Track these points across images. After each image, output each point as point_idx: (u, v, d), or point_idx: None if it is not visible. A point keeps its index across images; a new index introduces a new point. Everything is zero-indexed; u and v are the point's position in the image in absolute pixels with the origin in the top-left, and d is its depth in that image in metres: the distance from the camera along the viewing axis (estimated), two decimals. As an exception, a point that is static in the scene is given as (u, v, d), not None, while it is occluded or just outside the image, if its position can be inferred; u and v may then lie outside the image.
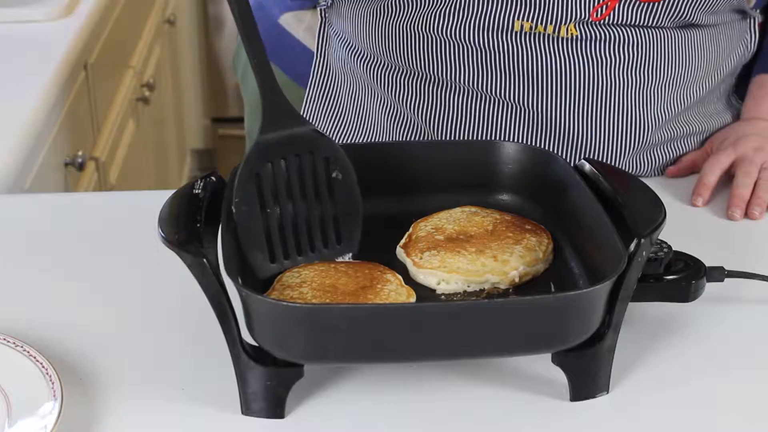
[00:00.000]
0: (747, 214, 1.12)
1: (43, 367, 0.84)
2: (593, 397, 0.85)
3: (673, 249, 0.90)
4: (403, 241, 0.95)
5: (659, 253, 0.89)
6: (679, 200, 1.16)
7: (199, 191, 0.88)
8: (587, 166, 0.95)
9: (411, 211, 0.99)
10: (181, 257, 0.80)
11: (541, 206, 0.99)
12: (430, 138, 1.18)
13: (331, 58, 1.23)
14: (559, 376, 0.84)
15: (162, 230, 0.82)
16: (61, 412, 0.79)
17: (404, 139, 1.20)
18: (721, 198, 1.16)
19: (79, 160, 1.59)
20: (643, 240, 0.82)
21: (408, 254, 0.93)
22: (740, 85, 1.28)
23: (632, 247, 0.82)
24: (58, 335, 0.92)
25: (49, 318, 0.95)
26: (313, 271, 0.90)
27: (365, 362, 0.87)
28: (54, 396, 0.81)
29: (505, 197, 1.01)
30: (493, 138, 1.17)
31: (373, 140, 1.22)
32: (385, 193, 1.00)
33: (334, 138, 1.23)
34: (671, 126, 1.21)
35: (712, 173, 1.16)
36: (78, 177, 1.64)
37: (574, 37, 1.11)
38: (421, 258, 0.91)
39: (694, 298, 0.91)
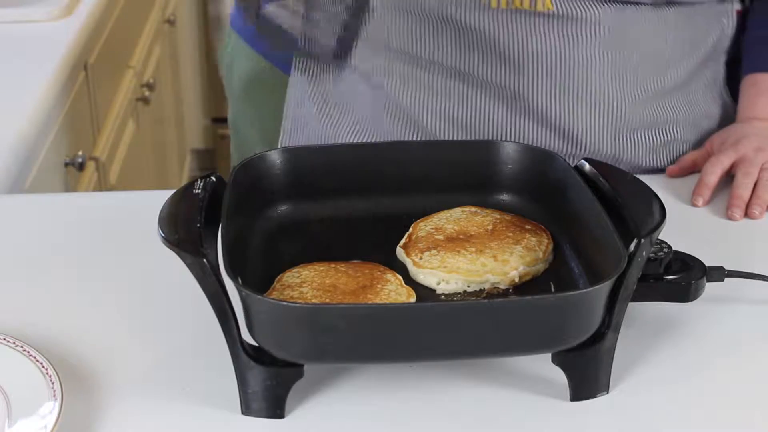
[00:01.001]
0: (747, 214, 1.12)
1: (43, 367, 0.84)
2: (593, 397, 0.85)
3: (673, 249, 0.90)
4: (403, 241, 0.95)
5: (659, 253, 0.89)
6: (679, 200, 1.16)
7: (199, 191, 0.88)
8: (587, 166, 0.95)
9: (411, 211, 0.99)
10: (181, 257, 0.80)
11: (541, 206, 0.99)
12: (413, 120, 1.18)
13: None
14: (559, 376, 0.84)
15: (162, 230, 0.82)
16: (61, 412, 0.79)
17: (388, 122, 1.20)
18: (721, 198, 1.16)
19: (79, 160, 1.59)
20: (643, 240, 0.82)
21: (408, 254, 0.93)
22: (731, 78, 1.28)
23: (632, 247, 0.82)
24: (58, 335, 0.92)
25: (49, 318, 0.95)
26: (313, 271, 0.90)
27: (365, 362, 0.87)
28: (54, 396, 0.81)
29: (505, 197, 1.01)
30: (471, 118, 1.17)
31: (358, 125, 1.22)
32: (385, 193, 1.00)
33: (321, 123, 1.23)
34: (651, 109, 1.20)
35: (713, 173, 1.16)
36: (78, 177, 1.64)
37: (551, 13, 1.11)
38: (421, 258, 0.91)
39: (694, 298, 0.91)
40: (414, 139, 1.19)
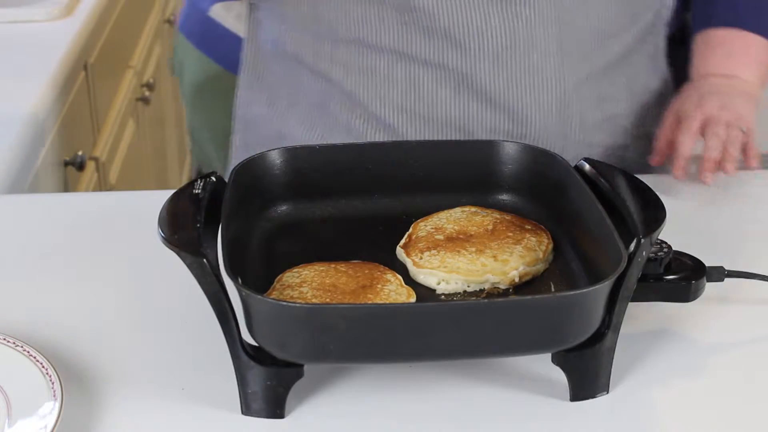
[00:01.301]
0: (722, 170, 1.13)
1: (43, 367, 0.84)
2: (593, 397, 0.85)
3: (673, 249, 0.90)
4: (403, 241, 0.95)
5: (659, 253, 0.89)
6: (679, 200, 1.16)
7: (199, 191, 0.88)
8: (587, 166, 0.95)
9: (411, 211, 0.99)
10: (181, 257, 0.80)
11: (541, 206, 0.99)
12: (361, 107, 1.18)
13: (261, 43, 1.24)
14: (559, 376, 0.84)
15: (162, 230, 0.82)
16: (61, 412, 0.79)
17: (337, 111, 1.20)
18: (721, 199, 1.16)
19: (79, 160, 1.59)
20: (643, 240, 0.82)
21: (408, 254, 0.93)
22: (671, 56, 1.28)
23: (632, 247, 0.82)
24: (58, 335, 0.92)
25: (49, 318, 0.95)
26: (313, 271, 0.90)
27: (365, 362, 0.87)
28: (54, 396, 0.81)
29: (505, 197, 1.01)
30: (417, 102, 1.16)
31: (308, 117, 1.22)
32: (385, 193, 1.00)
33: (272, 119, 1.23)
34: (596, 84, 1.20)
35: (685, 143, 1.16)
36: (78, 177, 1.64)
37: None
38: (421, 258, 0.91)
39: (694, 298, 0.91)
40: (364, 126, 1.19)
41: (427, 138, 1.17)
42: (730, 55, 1.25)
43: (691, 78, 1.25)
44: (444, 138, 1.17)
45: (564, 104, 1.18)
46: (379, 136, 1.19)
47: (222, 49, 1.34)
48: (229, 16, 1.31)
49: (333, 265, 0.90)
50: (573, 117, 1.19)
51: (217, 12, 1.33)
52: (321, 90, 1.21)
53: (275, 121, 1.25)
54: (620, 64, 1.21)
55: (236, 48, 1.27)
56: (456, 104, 1.16)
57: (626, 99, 1.24)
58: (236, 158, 1.29)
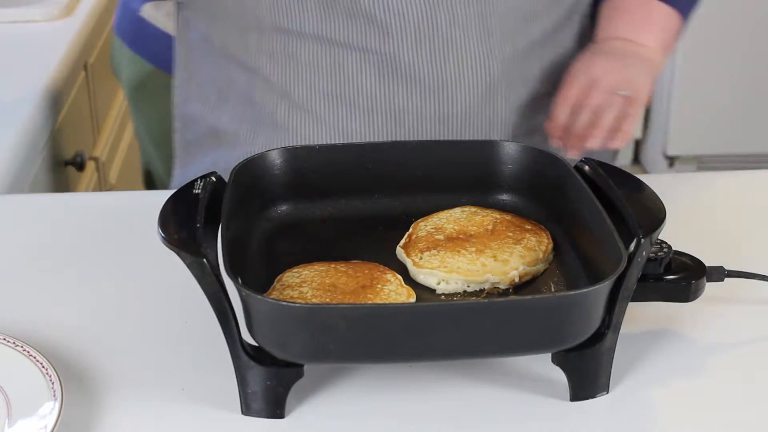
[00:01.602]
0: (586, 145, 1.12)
1: (43, 367, 0.84)
2: (593, 397, 0.85)
3: (673, 249, 0.90)
4: (403, 241, 0.95)
5: (659, 253, 0.89)
6: (679, 200, 1.16)
7: (199, 191, 0.88)
8: (587, 166, 0.95)
9: (411, 211, 0.99)
10: (181, 257, 0.80)
11: (541, 206, 0.99)
12: (287, 96, 1.18)
13: (191, 40, 1.24)
14: (559, 376, 0.84)
15: (162, 230, 0.82)
16: (61, 412, 0.79)
17: (265, 102, 1.20)
18: (720, 199, 1.16)
19: (79, 160, 1.59)
20: (643, 240, 0.82)
21: (408, 254, 0.92)
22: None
23: (632, 247, 0.82)
24: (58, 335, 0.92)
25: (49, 318, 0.95)
26: (313, 271, 0.90)
27: (365, 362, 0.87)
28: (54, 396, 0.81)
29: (505, 197, 1.01)
30: (341, 88, 1.16)
31: (240, 111, 1.22)
32: (385, 193, 1.00)
33: (206, 116, 1.23)
34: (522, 65, 1.19)
35: (559, 111, 1.15)
36: (78, 177, 1.64)
37: None
38: (421, 258, 0.91)
39: (694, 298, 0.91)
40: (290, 116, 1.19)
41: (349, 122, 1.17)
42: (632, 20, 1.22)
43: (593, 41, 1.23)
44: (372, 124, 1.17)
45: (490, 84, 1.17)
46: (305, 126, 1.18)
47: (154, 49, 1.33)
48: (159, 15, 1.31)
49: (333, 265, 0.90)
50: (500, 97, 1.19)
51: (147, 12, 1.33)
52: (248, 83, 1.20)
53: (209, 118, 1.24)
54: (547, 43, 1.21)
55: (168, 47, 1.27)
56: (381, 87, 1.16)
57: (554, 79, 1.22)
58: (179, 157, 1.29)
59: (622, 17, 1.22)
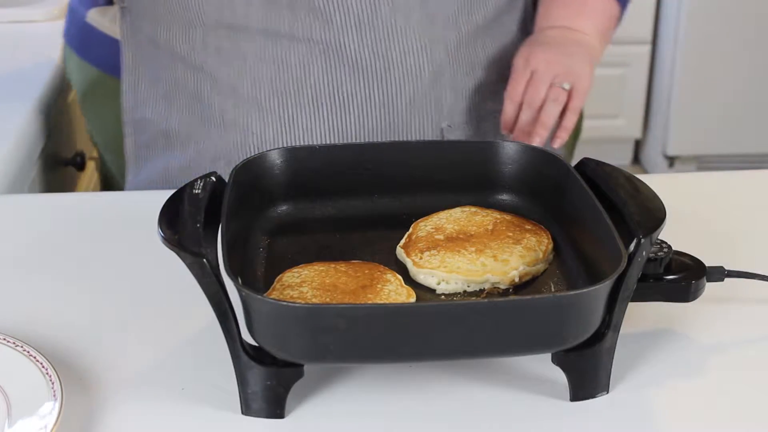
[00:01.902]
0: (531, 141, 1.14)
1: (43, 367, 0.84)
2: (593, 397, 0.85)
3: (673, 249, 0.90)
4: (403, 241, 0.95)
5: (659, 253, 0.89)
6: (679, 200, 1.15)
7: (199, 191, 0.88)
8: (587, 166, 0.95)
9: (411, 211, 0.99)
10: (181, 257, 0.80)
11: (541, 206, 0.99)
12: (236, 93, 1.19)
13: (137, 44, 1.23)
14: (559, 376, 0.84)
15: (162, 230, 0.82)
16: (61, 412, 0.79)
17: (215, 101, 1.20)
18: (721, 199, 1.16)
19: (79, 160, 1.59)
20: (643, 240, 0.82)
21: (408, 254, 0.93)
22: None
23: (632, 247, 0.82)
24: (58, 335, 0.92)
25: (49, 318, 0.95)
26: (313, 271, 0.90)
27: (365, 362, 0.87)
28: (54, 396, 0.81)
29: (505, 197, 1.01)
30: (288, 80, 1.17)
31: (189, 113, 1.22)
32: (385, 193, 1.00)
33: (157, 120, 1.24)
34: (468, 51, 1.20)
35: (510, 102, 1.17)
36: (78, 177, 1.64)
37: None
38: (421, 258, 0.91)
39: (694, 298, 0.91)
40: (237, 113, 1.19)
41: (296, 114, 1.18)
42: (569, 7, 1.25)
43: (533, 32, 1.26)
44: (319, 114, 1.18)
45: (435, 71, 1.18)
46: (253, 121, 1.19)
47: (101, 54, 1.33)
48: (105, 21, 1.30)
49: (333, 265, 0.90)
50: (446, 84, 1.20)
51: (93, 17, 1.32)
52: (195, 81, 1.21)
53: (159, 121, 1.25)
54: (490, 29, 1.22)
55: (115, 52, 1.27)
56: (326, 77, 1.17)
57: (499, 66, 1.24)
58: (131, 163, 1.29)
59: (559, 5, 1.25)
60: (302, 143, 1.19)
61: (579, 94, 1.18)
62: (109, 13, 1.31)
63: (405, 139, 1.20)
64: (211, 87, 1.20)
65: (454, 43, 1.19)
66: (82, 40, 1.36)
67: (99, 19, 1.31)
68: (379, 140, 1.19)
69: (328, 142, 1.19)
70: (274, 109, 1.18)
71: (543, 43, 1.20)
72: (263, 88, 1.18)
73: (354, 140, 1.19)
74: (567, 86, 1.17)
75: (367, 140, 1.19)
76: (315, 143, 1.19)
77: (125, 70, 1.25)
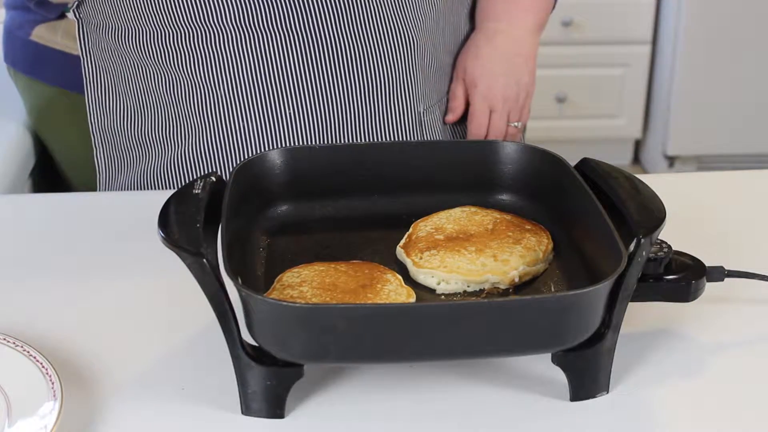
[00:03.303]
0: None
1: (43, 367, 0.84)
2: (593, 397, 0.85)
3: (673, 249, 0.90)
4: (403, 241, 0.95)
5: (659, 253, 0.89)
6: (679, 200, 1.15)
7: (199, 191, 0.88)
8: (587, 166, 0.95)
9: (411, 211, 0.99)
10: (180, 257, 0.80)
11: (541, 206, 0.99)
12: (211, 94, 1.19)
13: (99, 53, 1.23)
14: (559, 376, 0.84)
15: (162, 230, 0.82)
16: (61, 412, 0.79)
17: (190, 108, 1.20)
18: (721, 199, 1.16)
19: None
20: (643, 240, 0.82)
21: (408, 254, 0.93)
22: None
23: (632, 247, 0.82)
24: (58, 335, 0.92)
25: (49, 318, 0.95)
26: (313, 271, 0.90)
27: (365, 362, 0.87)
28: (54, 396, 0.81)
29: (504, 197, 1.01)
30: (268, 77, 1.18)
31: (159, 123, 1.22)
32: (385, 193, 1.00)
33: (127, 132, 1.24)
34: (433, 34, 1.24)
35: (479, 136, 1.29)
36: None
37: None
38: (421, 258, 0.91)
39: (694, 298, 0.91)
40: (216, 109, 1.20)
41: (277, 106, 1.19)
42: (507, 1, 1.32)
43: (477, 25, 1.32)
44: (298, 108, 1.19)
45: (409, 55, 1.21)
46: (234, 118, 1.19)
47: (53, 70, 1.31)
48: (55, 36, 1.28)
49: (333, 265, 0.90)
50: (417, 67, 1.23)
51: (40, 35, 1.30)
52: (170, 85, 1.21)
53: (131, 130, 1.24)
54: (447, 13, 1.26)
55: (69, 66, 1.26)
56: (306, 70, 1.18)
57: (452, 50, 1.30)
58: (102, 174, 1.27)
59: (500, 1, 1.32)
60: (286, 137, 1.19)
61: (527, 104, 1.34)
62: (61, 27, 1.28)
63: (385, 125, 1.23)
64: (187, 89, 1.20)
65: (423, 27, 1.22)
66: (30, 59, 1.34)
67: (48, 35, 1.29)
68: (360, 129, 1.22)
69: (310, 134, 1.20)
70: (254, 103, 1.19)
71: (500, 74, 1.30)
72: (242, 84, 1.18)
73: (336, 131, 1.21)
74: (518, 124, 1.34)
75: (349, 130, 1.21)
76: (310, 141, 1.20)
77: (90, 82, 1.24)
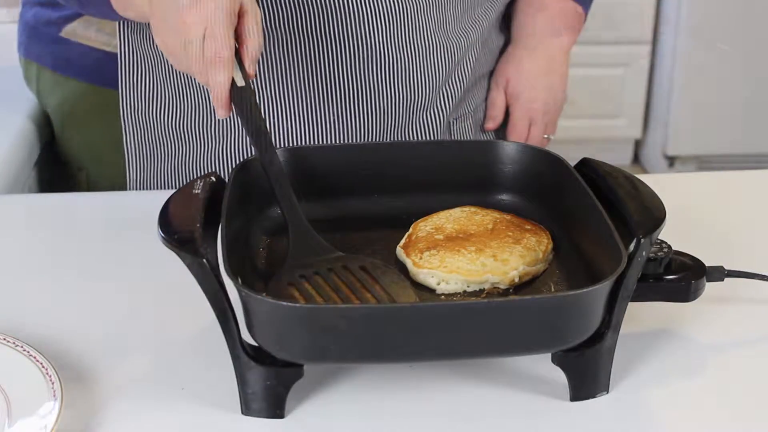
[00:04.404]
0: None
1: (43, 367, 0.84)
2: (593, 397, 0.85)
3: (673, 249, 0.90)
4: (403, 241, 0.95)
5: (659, 253, 0.89)
6: (679, 200, 1.15)
7: (199, 191, 0.88)
8: (587, 166, 0.95)
9: (411, 211, 0.99)
10: (180, 257, 0.80)
11: (541, 206, 0.99)
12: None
13: (138, 41, 1.22)
14: (559, 376, 0.84)
15: (162, 230, 0.82)
16: (61, 412, 0.79)
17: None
18: (721, 199, 1.16)
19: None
20: (643, 240, 0.82)
21: (408, 254, 0.93)
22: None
23: (632, 247, 0.82)
24: (58, 335, 0.92)
25: (49, 318, 0.95)
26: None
27: (365, 362, 0.87)
28: (54, 396, 0.81)
29: (504, 197, 1.01)
30: (317, 78, 1.17)
31: (208, 112, 1.22)
32: (385, 193, 1.00)
33: (159, 122, 1.24)
34: (468, 51, 1.25)
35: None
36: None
37: None
38: (420, 258, 0.91)
39: (694, 298, 0.91)
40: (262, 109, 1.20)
41: (321, 110, 1.19)
42: (550, 19, 1.36)
43: (514, 38, 1.36)
44: (345, 111, 1.19)
45: (447, 69, 1.22)
46: (279, 120, 1.19)
47: (85, 67, 1.31)
48: (89, 32, 1.28)
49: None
50: (450, 83, 1.24)
51: (72, 31, 1.30)
52: (196, 88, 1.21)
53: (165, 119, 1.24)
54: (475, 29, 1.26)
55: (102, 62, 1.27)
56: (354, 74, 1.18)
57: (477, 70, 1.31)
58: (132, 162, 1.27)
59: (538, 15, 1.35)
60: (318, 141, 1.20)
61: (557, 118, 1.40)
62: (93, 24, 1.29)
63: (415, 136, 1.23)
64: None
65: (462, 43, 1.22)
66: (59, 55, 1.34)
67: (82, 32, 1.30)
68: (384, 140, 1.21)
69: (343, 138, 1.20)
70: (299, 106, 1.19)
71: (541, 89, 1.36)
72: (289, 87, 1.18)
73: (367, 138, 1.21)
74: (552, 137, 1.39)
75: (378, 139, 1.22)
76: (325, 142, 1.20)
77: (125, 67, 1.23)
